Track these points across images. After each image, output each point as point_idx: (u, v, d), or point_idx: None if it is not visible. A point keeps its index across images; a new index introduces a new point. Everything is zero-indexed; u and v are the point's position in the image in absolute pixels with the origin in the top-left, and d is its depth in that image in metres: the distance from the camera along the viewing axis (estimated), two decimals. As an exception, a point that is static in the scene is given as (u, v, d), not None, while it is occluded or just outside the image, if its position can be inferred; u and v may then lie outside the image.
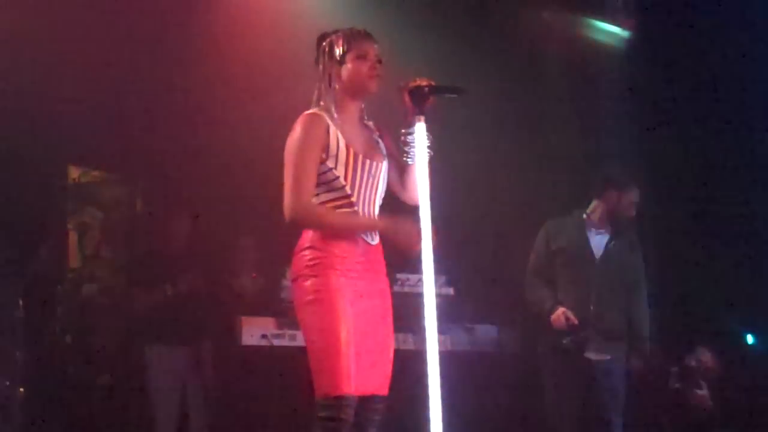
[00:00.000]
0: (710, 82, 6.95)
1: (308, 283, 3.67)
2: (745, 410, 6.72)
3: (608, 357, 5.70)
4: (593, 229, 5.88)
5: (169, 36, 6.39)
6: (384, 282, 3.86)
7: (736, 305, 7.05)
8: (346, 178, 3.72)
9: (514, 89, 6.97)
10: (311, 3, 6.22)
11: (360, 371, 3.61)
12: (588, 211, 5.94)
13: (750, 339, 7.29)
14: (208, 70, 6.49)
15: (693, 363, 6.77)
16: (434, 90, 3.66)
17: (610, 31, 7.46)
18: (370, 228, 3.78)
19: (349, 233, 3.73)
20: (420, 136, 3.64)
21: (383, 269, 3.86)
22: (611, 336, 5.72)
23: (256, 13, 6.17)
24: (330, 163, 3.71)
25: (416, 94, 3.65)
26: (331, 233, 3.71)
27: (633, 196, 5.87)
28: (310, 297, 3.66)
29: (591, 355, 5.68)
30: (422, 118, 3.65)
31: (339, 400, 3.54)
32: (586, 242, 5.84)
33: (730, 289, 6.99)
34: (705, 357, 6.75)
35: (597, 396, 5.69)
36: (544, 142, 7.09)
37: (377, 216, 3.85)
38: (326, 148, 3.70)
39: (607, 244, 5.84)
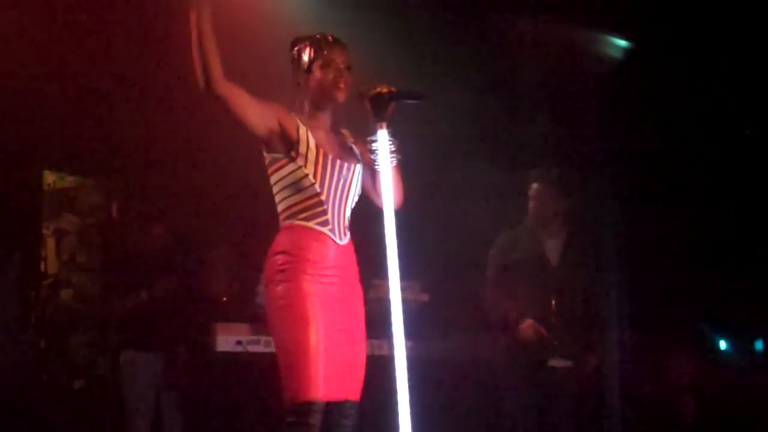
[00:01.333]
0: (704, 94, 6.97)
1: (279, 288, 3.67)
2: (719, 416, 6.77)
3: (569, 363, 5.72)
4: (547, 237, 5.88)
5: (147, 41, 6.38)
6: (357, 287, 3.85)
7: (709, 310, 7.10)
8: (315, 176, 3.71)
9: (495, 97, 6.99)
10: (297, 10, 6.23)
11: (331, 377, 3.60)
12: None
13: (723, 345, 7.33)
14: (187, 77, 6.48)
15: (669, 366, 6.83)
16: (395, 96, 3.64)
17: (602, 40, 7.49)
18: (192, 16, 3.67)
19: (319, 233, 3.71)
20: (382, 143, 3.63)
21: (356, 273, 3.86)
22: (572, 342, 5.73)
23: (240, 19, 6.15)
24: (300, 161, 3.70)
25: (377, 101, 3.62)
26: (303, 236, 3.69)
27: (548, 189, 5.84)
28: (281, 302, 3.65)
29: (554, 363, 5.70)
30: (384, 125, 3.63)
31: (307, 406, 3.53)
32: (542, 250, 5.85)
33: (703, 294, 7.03)
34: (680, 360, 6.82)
35: (558, 403, 5.70)
36: (523, 148, 7.11)
37: (348, 219, 3.84)
38: (295, 143, 3.70)
39: (563, 251, 5.84)
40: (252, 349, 6.06)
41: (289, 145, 3.72)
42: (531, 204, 5.90)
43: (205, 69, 3.58)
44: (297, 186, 3.72)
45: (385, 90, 3.64)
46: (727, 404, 6.83)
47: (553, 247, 5.87)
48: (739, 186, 7.00)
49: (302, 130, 3.74)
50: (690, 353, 7.09)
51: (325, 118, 3.86)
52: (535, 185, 5.89)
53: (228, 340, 6.08)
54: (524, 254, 5.82)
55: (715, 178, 7.04)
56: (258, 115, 3.67)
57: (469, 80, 6.88)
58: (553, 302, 5.71)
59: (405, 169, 3.80)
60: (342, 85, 3.78)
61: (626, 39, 7.15)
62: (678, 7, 6.64)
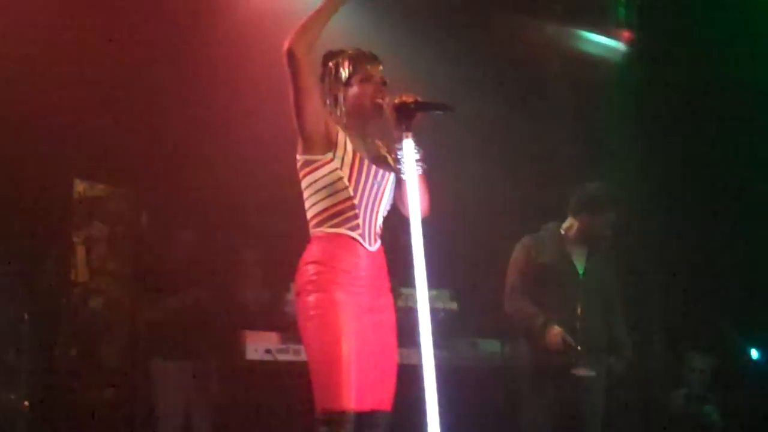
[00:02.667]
0: (706, 97, 6.94)
1: (311, 298, 3.68)
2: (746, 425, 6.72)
3: (593, 373, 5.69)
4: (571, 245, 5.84)
5: (175, 49, 6.40)
6: (387, 296, 3.86)
7: (739, 316, 7.06)
8: (350, 180, 3.72)
9: (515, 103, 6.99)
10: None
11: (362, 386, 3.62)
12: (564, 226, 5.88)
13: (755, 354, 7.27)
14: (216, 84, 6.51)
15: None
16: (420, 107, 3.66)
17: (606, 45, 7.47)
18: (332, 1, 3.69)
19: (350, 241, 3.72)
20: (407, 152, 3.64)
21: (386, 282, 3.86)
22: (596, 352, 5.69)
23: (264, 30, 6.18)
24: (336, 163, 3.72)
25: (402, 110, 3.65)
26: (335, 245, 3.70)
27: (606, 219, 5.81)
28: (313, 312, 3.67)
29: (578, 371, 5.66)
30: (409, 134, 3.65)
31: (339, 415, 3.55)
32: (569, 257, 5.82)
33: (736, 302, 6.99)
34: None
35: (581, 412, 5.67)
36: (544, 156, 7.10)
37: (380, 226, 3.85)
38: (333, 145, 3.72)
39: (588, 259, 5.82)
40: (281, 357, 6.07)
41: (327, 146, 3.73)
42: (579, 224, 5.84)
43: (305, 33, 3.64)
44: (331, 189, 3.73)
45: (410, 99, 3.66)
46: (757, 415, 6.76)
47: (578, 257, 5.84)
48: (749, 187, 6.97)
49: (341, 134, 3.76)
50: (720, 363, 7.02)
51: (362, 129, 3.88)
52: (588, 211, 5.82)
53: (257, 348, 6.10)
54: (550, 261, 5.77)
55: (743, 186, 7.00)
56: (315, 103, 3.71)
57: (498, 89, 6.88)
58: (579, 310, 5.68)
59: (434, 177, 3.79)
60: (380, 100, 3.79)
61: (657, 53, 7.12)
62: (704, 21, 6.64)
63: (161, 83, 6.50)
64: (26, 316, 6.17)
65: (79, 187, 7.62)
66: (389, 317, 3.84)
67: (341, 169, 3.72)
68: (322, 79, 3.90)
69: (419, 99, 3.67)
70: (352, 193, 3.73)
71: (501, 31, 6.95)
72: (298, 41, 3.62)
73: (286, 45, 3.62)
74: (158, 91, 6.52)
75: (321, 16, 3.69)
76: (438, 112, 3.69)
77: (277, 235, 6.35)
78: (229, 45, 6.39)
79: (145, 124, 6.69)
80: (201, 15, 6.29)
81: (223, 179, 6.81)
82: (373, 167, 3.79)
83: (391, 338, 3.83)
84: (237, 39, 6.37)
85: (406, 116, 3.64)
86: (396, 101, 3.67)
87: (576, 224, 5.84)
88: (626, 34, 7.38)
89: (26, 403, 6.06)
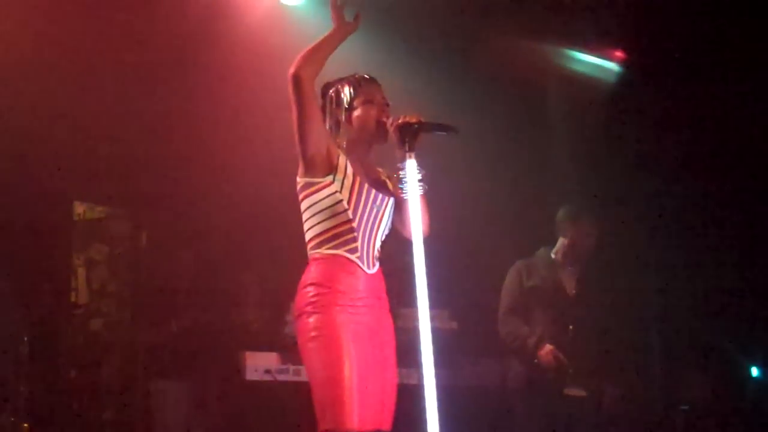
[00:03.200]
0: (699, 117, 6.97)
1: (311, 319, 3.69)
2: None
3: (584, 393, 5.72)
4: (562, 267, 5.97)
5: (175, 71, 6.42)
6: (386, 316, 3.86)
7: (741, 336, 7.06)
8: (349, 203, 3.73)
9: (509, 122, 7.02)
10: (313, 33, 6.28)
11: (364, 407, 3.61)
12: (555, 250, 6.04)
13: (755, 372, 7.26)
14: (213, 105, 6.53)
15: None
16: (423, 127, 3.67)
17: (600, 65, 7.50)
18: (340, 31, 3.76)
19: (349, 264, 3.72)
20: (410, 173, 3.65)
21: (386, 303, 3.87)
22: (588, 372, 5.75)
23: (265, 47, 6.21)
24: (335, 186, 3.73)
25: (405, 130, 3.66)
26: (334, 268, 3.71)
27: (587, 226, 5.96)
28: (313, 333, 3.67)
29: (570, 391, 5.70)
30: (412, 154, 3.65)
31: None
32: (559, 280, 5.93)
33: (734, 320, 6.99)
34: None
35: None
36: (541, 176, 7.13)
37: (378, 250, 3.86)
38: (334, 168, 3.73)
39: (578, 280, 5.92)
40: (281, 377, 6.07)
41: (328, 169, 3.74)
42: (566, 241, 5.93)
43: (312, 59, 3.69)
44: (330, 211, 3.73)
45: (413, 120, 3.68)
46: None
47: (569, 277, 5.93)
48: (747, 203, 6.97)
49: (342, 158, 3.76)
50: (719, 381, 7.02)
51: (363, 154, 3.90)
52: (570, 222, 5.91)
53: (257, 368, 6.10)
54: (541, 283, 5.90)
55: (738, 199, 7.01)
56: (317, 128, 3.73)
57: (497, 110, 6.91)
58: (570, 330, 5.73)
59: (433, 197, 3.80)
60: (385, 119, 3.81)
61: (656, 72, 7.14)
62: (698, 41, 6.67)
63: (161, 105, 6.52)
64: (26, 338, 6.18)
65: (79, 208, 7.65)
66: (389, 338, 3.85)
67: (341, 192, 3.72)
68: (323, 108, 3.91)
69: (422, 119, 3.68)
70: (351, 216, 3.74)
71: (498, 51, 6.96)
72: (304, 66, 3.65)
73: (291, 70, 3.64)
74: (158, 113, 6.54)
75: (328, 44, 3.74)
76: (441, 132, 3.71)
77: (276, 256, 6.36)
78: (228, 68, 6.41)
79: (145, 145, 6.71)
80: (201, 36, 6.32)
81: (222, 200, 6.83)
82: (373, 191, 3.80)
83: (392, 358, 3.83)
84: (236, 61, 6.39)
85: (409, 136, 3.65)
86: (399, 121, 3.68)
87: (564, 243, 5.98)
88: (620, 53, 7.40)
89: (26, 425, 6.05)
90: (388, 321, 3.87)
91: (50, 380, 6.55)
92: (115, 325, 7.38)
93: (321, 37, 3.74)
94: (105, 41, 6.15)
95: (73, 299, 7.36)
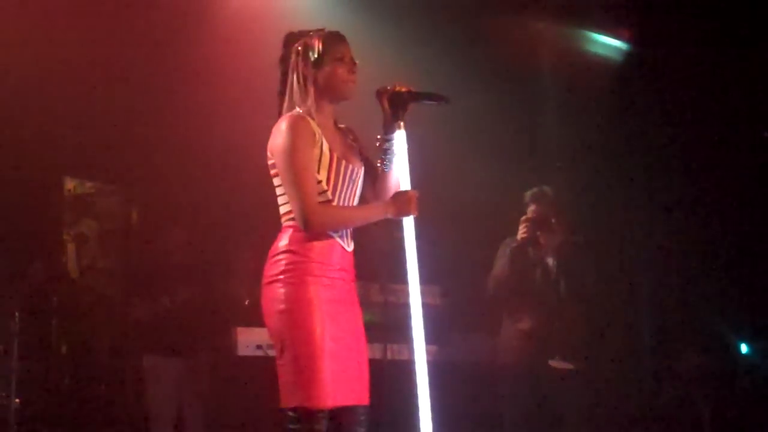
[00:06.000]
0: (717, 99, 6.97)
1: (283, 289, 3.54)
2: (738, 421, 6.74)
3: (571, 366, 5.73)
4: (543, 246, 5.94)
5: (167, 47, 6.41)
6: (354, 292, 3.73)
7: (730, 313, 7.08)
8: (328, 183, 3.61)
9: (508, 99, 7.01)
10: (304, 18, 6.28)
11: (339, 382, 3.51)
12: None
13: (744, 348, 7.29)
14: (205, 80, 6.52)
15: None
16: (414, 96, 3.62)
17: (606, 43, 7.49)
18: (378, 215, 3.65)
19: (328, 237, 3.60)
20: (399, 143, 3.62)
21: (354, 279, 3.73)
22: (575, 345, 5.78)
23: (259, 29, 6.21)
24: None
25: (395, 99, 3.62)
26: (312, 237, 3.56)
27: (533, 206, 5.92)
28: (285, 305, 3.52)
29: (555, 363, 5.71)
30: (401, 124, 3.62)
31: (315, 413, 3.45)
32: (543, 259, 5.91)
33: (723, 297, 7.01)
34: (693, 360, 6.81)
35: (556, 405, 5.72)
36: (533, 151, 7.13)
37: None
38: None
39: (558, 259, 5.89)
40: (272, 353, 6.05)
41: (312, 148, 3.60)
42: (528, 224, 5.90)
43: (329, 226, 3.59)
44: None
45: (404, 89, 3.64)
46: (746, 409, 6.79)
47: (552, 255, 5.92)
48: (744, 188, 6.98)
49: (317, 134, 3.61)
50: (707, 357, 7.05)
51: (331, 113, 3.74)
52: (533, 206, 5.90)
53: (248, 344, 6.10)
54: (527, 261, 5.88)
55: (727, 179, 7.02)
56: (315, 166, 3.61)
57: (487, 82, 6.89)
58: (555, 305, 5.79)
59: (422, 171, 3.77)
60: (354, 79, 3.69)
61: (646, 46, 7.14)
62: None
63: (152, 80, 6.50)
64: (17, 314, 6.18)
65: (69, 184, 7.63)
66: (358, 311, 3.71)
67: (318, 172, 3.59)
68: (283, 60, 3.74)
69: (413, 89, 3.64)
70: (330, 196, 3.62)
71: (498, 28, 6.95)
72: (321, 227, 3.57)
73: (308, 220, 3.51)
74: (149, 88, 6.53)
75: (352, 223, 3.66)
76: (432, 102, 3.66)
77: (267, 231, 6.35)
78: (221, 43, 6.40)
79: (136, 120, 6.70)
80: (195, 13, 6.30)
81: (213, 175, 6.82)
82: (349, 166, 3.67)
83: (362, 332, 3.70)
84: (230, 37, 6.38)
85: (399, 106, 3.61)
86: (390, 90, 3.63)
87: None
88: (626, 33, 7.38)
89: (17, 400, 6.06)
90: (355, 295, 3.73)
91: (41, 356, 6.55)
92: (105, 301, 7.37)
93: (350, 214, 3.67)
94: (99, 16, 6.14)
95: (63, 275, 7.35)
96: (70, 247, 7.59)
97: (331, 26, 3.78)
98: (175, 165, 6.87)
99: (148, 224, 7.30)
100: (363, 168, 3.77)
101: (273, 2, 6.41)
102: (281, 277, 3.56)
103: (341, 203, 3.66)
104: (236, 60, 6.34)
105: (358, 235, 3.76)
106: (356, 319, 3.68)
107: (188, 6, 6.32)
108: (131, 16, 6.22)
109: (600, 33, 7.46)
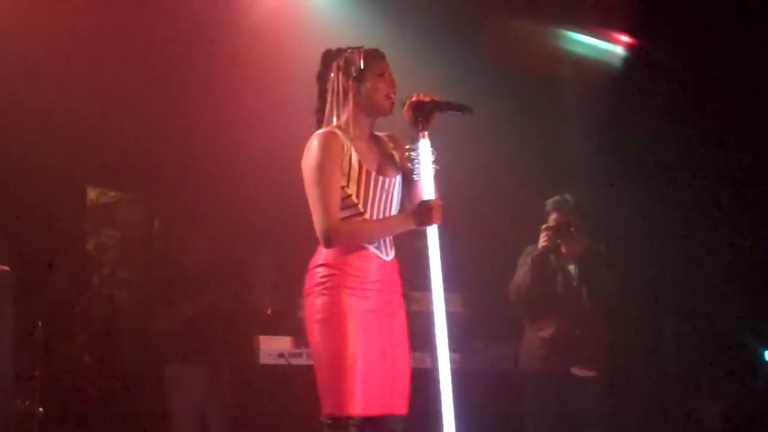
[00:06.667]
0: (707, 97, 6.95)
1: (319, 300, 3.67)
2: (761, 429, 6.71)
3: (594, 374, 5.75)
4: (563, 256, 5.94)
5: (188, 57, 6.44)
6: (399, 300, 3.82)
7: (754, 320, 7.04)
8: (358, 196, 3.68)
9: (523, 106, 7.01)
10: (322, 26, 6.30)
11: (373, 391, 3.59)
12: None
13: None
14: (228, 91, 6.54)
15: None
16: (437, 106, 3.67)
17: (609, 49, 7.49)
18: (401, 226, 3.72)
19: (363, 249, 3.68)
20: (424, 152, 3.65)
21: (399, 288, 3.83)
22: (596, 354, 5.79)
23: (277, 39, 6.23)
24: (342, 182, 3.68)
25: (419, 109, 3.66)
26: (347, 250, 3.66)
27: (554, 215, 5.92)
28: (320, 315, 3.65)
29: (577, 371, 5.72)
30: (426, 134, 3.66)
31: (345, 420, 3.55)
32: (565, 267, 5.91)
33: (747, 303, 6.98)
34: None
35: (579, 412, 5.72)
36: (554, 158, 7.12)
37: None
38: (345, 166, 3.68)
39: (580, 267, 5.90)
40: (294, 362, 6.08)
41: (340, 165, 3.68)
42: (549, 232, 5.90)
43: (349, 240, 3.68)
44: (342, 204, 3.68)
45: (427, 99, 3.67)
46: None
47: (574, 267, 5.92)
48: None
49: (347, 147, 3.68)
50: (731, 364, 7.02)
51: (368, 127, 3.82)
52: (554, 215, 5.90)
53: (270, 352, 6.11)
54: (548, 269, 5.88)
55: (755, 186, 7.00)
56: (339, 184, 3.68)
57: (511, 94, 6.89)
58: (575, 313, 5.78)
59: (445, 180, 3.79)
60: (393, 96, 3.77)
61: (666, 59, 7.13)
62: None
63: (173, 90, 6.53)
64: (40, 323, 6.20)
65: (92, 194, 7.67)
66: (401, 321, 3.81)
67: (348, 186, 3.67)
68: (321, 76, 3.83)
69: (436, 99, 3.67)
70: (362, 209, 3.70)
71: (508, 34, 6.96)
72: (340, 244, 3.66)
73: (327, 237, 3.62)
74: (170, 99, 6.56)
75: (373, 238, 3.72)
76: (455, 112, 3.70)
77: (290, 240, 6.37)
78: (247, 54, 6.42)
79: (157, 130, 6.72)
80: (215, 24, 6.33)
81: (235, 184, 6.84)
82: (380, 178, 3.74)
83: (404, 342, 3.79)
84: (256, 48, 6.40)
85: (423, 116, 3.65)
86: (413, 100, 3.67)
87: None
88: (628, 37, 7.38)
89: (41, 409, 6.07)
90: (400, 304, 3.82)
91: (64, 365, 6.58)
92: (128, 310, 7.40)
93: (369, 228, 3.72)
94: (120, 26, 6.17)
95: (85, 284, 7.38)
96: (93, 257, 7.63)
97: (353, 37, 3.81)
98: (197, 173, 6.89)
99: (170, 233, 7.32)
100: (399, 177, 3.82)
101: (296, 14, 6.44)
102: (317, 288, 3.69)
103: (374, 215, 3.72)
104: (260, 70, 6.36)
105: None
106: (395, 328, 3.76)
107: (213, 18, 6.35)
108: (156, 28, 6.24)
109: (621, 41, 7.44)
